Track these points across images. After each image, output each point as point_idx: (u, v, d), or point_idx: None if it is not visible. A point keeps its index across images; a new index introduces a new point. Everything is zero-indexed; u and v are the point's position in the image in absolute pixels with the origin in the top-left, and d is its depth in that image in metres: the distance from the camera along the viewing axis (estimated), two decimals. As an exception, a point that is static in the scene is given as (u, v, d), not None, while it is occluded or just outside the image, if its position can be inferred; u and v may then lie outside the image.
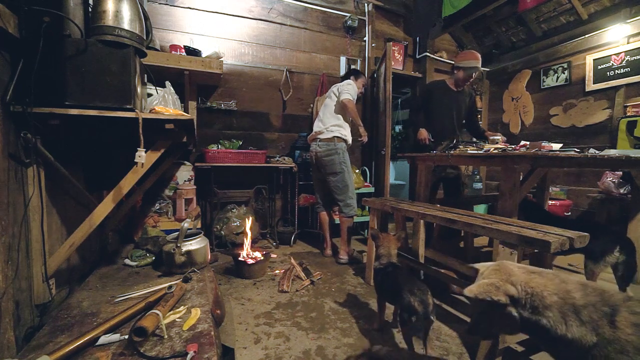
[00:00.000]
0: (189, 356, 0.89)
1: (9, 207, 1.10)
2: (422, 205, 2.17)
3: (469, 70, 2.65)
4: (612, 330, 0.66)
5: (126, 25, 1.27)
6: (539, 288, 0.73)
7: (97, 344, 0.95)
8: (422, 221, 1.95)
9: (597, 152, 1.88)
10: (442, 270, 1.80)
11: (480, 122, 4.53)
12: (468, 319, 1.70)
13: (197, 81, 2.87)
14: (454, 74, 2.77)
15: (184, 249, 1.55)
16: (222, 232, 2.81)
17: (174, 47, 2.61)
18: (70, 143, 1.53)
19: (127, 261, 1.70)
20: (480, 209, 3.75)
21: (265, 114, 3.35)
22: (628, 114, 3.14)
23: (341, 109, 2.57)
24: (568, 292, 0.71)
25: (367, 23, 3.76)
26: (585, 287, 0.73)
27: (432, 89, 2.85)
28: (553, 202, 3.29)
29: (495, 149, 2.05)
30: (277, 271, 2.33)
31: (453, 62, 2.84)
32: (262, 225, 3.24)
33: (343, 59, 3.63)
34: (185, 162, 2.49)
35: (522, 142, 2.07)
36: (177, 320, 1.11)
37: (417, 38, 4.13)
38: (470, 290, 0.78)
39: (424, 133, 2.72)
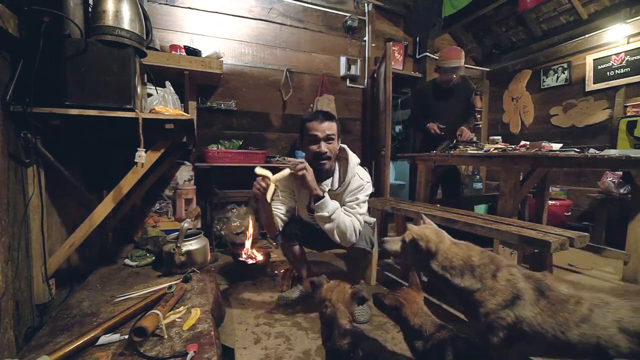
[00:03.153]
0: (189, 356, 0.89)
1: (9, 207, 1.10)
2: (422, 205, 2.18)
3: (449, 71, 2.58)
4: (493, 281, 0.95)
5: (126, 25, 1.27)
6: (452, 255, 1.02)
7: (97, 344, 0.95)
8: (422, 221, 1.95)
9: (597, 152, 1.88)
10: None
11: (478, 123, 4.55)
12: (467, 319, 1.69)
13: (197, 81, 2.87)
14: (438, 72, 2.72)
15: (184, 249, 1.55)
16: (222, 232, 2.81)
17: (174, 47, 2.62)
18: (70, 143, 1.52)
19: (127, 261, 1.69)
20: (480, 209, 3.74)
21: (265, 114, 3.35)
22: (628, 114, 3.14)
23: None
24: (470, 256, 1.00)
25: (367, 23, 3.76)
26: (483, 252, 1.02)
27: (424, 92, 2.82)
28: (553, 202, 3.29)
29: (495, 149, 2.05)
30: (277, 271, 2.33)
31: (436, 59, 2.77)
32: (262, 226, 3.24)
33: (343, 59, 3.63)
34: (185, 162, 2.49)
35: (522, 142, 2.07)
36: (177, 320, 1.11)
37: (417, 38, 4.13)
38: (412, 228, 1.10)
39: (433, 125, 2.60)
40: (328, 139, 1.53)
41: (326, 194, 1.49)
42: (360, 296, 1.01)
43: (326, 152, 1.52)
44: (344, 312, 0.96)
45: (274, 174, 1.43)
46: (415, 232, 1.06)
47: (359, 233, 1.58)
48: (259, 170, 1.42)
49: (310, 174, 1.47)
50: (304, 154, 1.74)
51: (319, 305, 0.99)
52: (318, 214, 1.48)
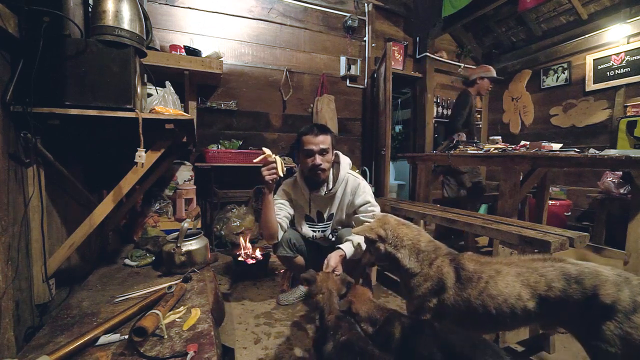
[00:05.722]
0: (189, 356, 0.89)
1: (9, 207, 1.10)
2: (422, 205, 2.18)
3: (492, 79, 2.96)
4: (428, 268, 1.06)
5: (126, 25, 1.27)
6: (402, 234, 1.11)
7: (97, 344, 0.95)
8: (422, 221, 1.95)
9: (597, 152, 1.88)
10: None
11: (479, 122, 4.65)
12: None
13: (197, 81, 2.87)
14: (476, 84, 2.95)
15: (184, 249, 1.55)
16: (222, 232, 2.80)
17: (174, 47, 2.62)
18: (70, 143, 1.52)
19: (127, 261, 1.69)
20: (480, 209, 3.74)
21: (265, 114, 3.35)
22: (628, 114, 3.14)
23: None
24: (419, 241, 1.10)
25: (367, 23, 3.76)
26: (430, 241, 1.12)
27: (471, 100, 2.99)
28: (553, 202, 3.29)
29: (495, 149, 2.05)
30: (277, 271, 2.33)
31: (474, 74, 3.03)
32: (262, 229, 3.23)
33: (343, 59, 3.63)
34: (185, 162, 2.49)
35: (522, 142, 2.07)
36: (177, 320, 1.11)
37: (417, 38, 4.13)
38: (356, 230, 1.19)
39: (463, 136, 2.81)
40: (322, 151, 1.58)
41: (343, 247, 1.51)
42: (347, 280, 1.11)
43: (321, 164, 1.58)
44: (335, 297, 1.05)
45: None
46: (358, 231, 1.17)
47: None
48: (265, 150, 1.45)
49: (333, 266, 1.42)
50: None
51: (316, 294, 1.06)
52: (351, 254, 1.51)
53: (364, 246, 1.46)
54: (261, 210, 1.59)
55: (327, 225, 1.73)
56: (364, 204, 1.63)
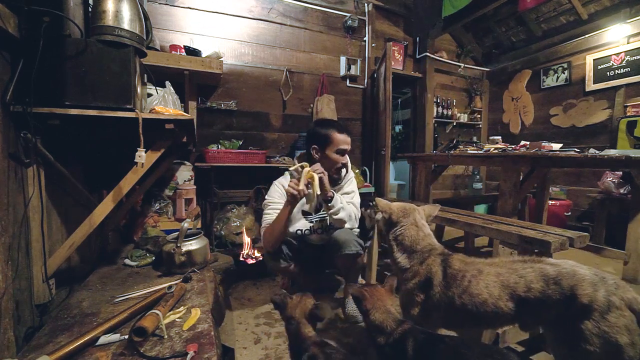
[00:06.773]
0: (189, 356, 0.89)
1: (9, 207, 1.10)
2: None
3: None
4: (419, 265, 1.11)
5: (126, 25, 1.27)
6: (407, 234, 1.18)
7: (97, 344, 0.95)
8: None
9: (597, 152, 1.88)
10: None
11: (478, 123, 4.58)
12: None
13: (197, 81, 2.87)
14: None
15: (184, 249, 1.55)
16: (222, 232, 2.80)
17: (174, 47, 2.61)
18: (70, 143, 1.53)
19: (127, 261, 1.69)
20: (480, 209, 3.75)
21: (265, 114, 3.35)
22: (628, 114, 3.14)
23: None
24: (417, 243, 1.15)
25: (367, 23, 3.76)
26: (429, 245, 1.15)
27: None
28: (553, 202, 3.29)
29: (495, 149, 2.06)
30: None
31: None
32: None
33: (343, 59, 3.63)
34: (185, 162, 2.49)
35: (522, 142, 2.07)
36: (177, 320, 1.11)
37: (417, 38, 4.13)
38: (380, 201, 1.29)
39: None
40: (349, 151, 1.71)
41: (334, 192, 1.62)
42: (317, 314, 0.99)
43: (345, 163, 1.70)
44: (306, 324, 0.97)
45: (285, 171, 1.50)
46: (381, 205, 1.26)
47: (356, 219, 1.70)
48: (293, 168, 1.57)
49: (326, 176, 1.56)
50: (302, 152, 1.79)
51: (286, 323, 1.00)
52: (333, 209, 1.58)
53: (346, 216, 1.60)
54: (261, 209, 1.60)
55: (324, 214, 1.73)
56: (347, 193, 1.74)
